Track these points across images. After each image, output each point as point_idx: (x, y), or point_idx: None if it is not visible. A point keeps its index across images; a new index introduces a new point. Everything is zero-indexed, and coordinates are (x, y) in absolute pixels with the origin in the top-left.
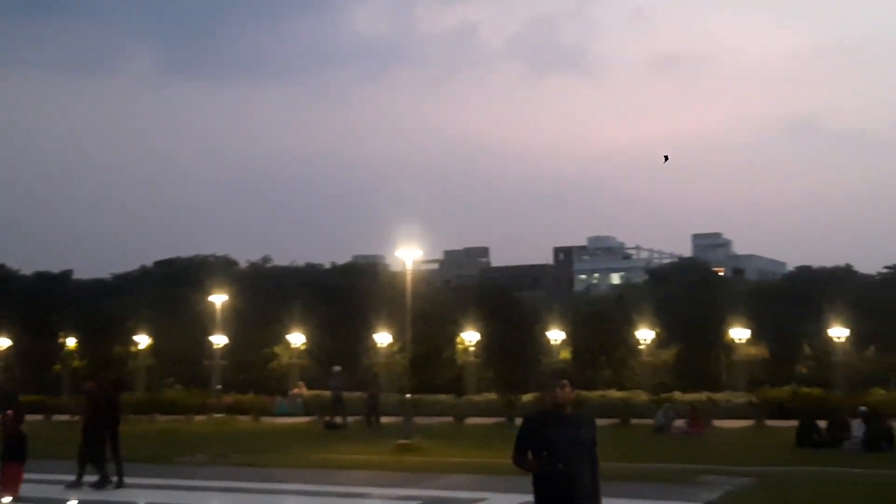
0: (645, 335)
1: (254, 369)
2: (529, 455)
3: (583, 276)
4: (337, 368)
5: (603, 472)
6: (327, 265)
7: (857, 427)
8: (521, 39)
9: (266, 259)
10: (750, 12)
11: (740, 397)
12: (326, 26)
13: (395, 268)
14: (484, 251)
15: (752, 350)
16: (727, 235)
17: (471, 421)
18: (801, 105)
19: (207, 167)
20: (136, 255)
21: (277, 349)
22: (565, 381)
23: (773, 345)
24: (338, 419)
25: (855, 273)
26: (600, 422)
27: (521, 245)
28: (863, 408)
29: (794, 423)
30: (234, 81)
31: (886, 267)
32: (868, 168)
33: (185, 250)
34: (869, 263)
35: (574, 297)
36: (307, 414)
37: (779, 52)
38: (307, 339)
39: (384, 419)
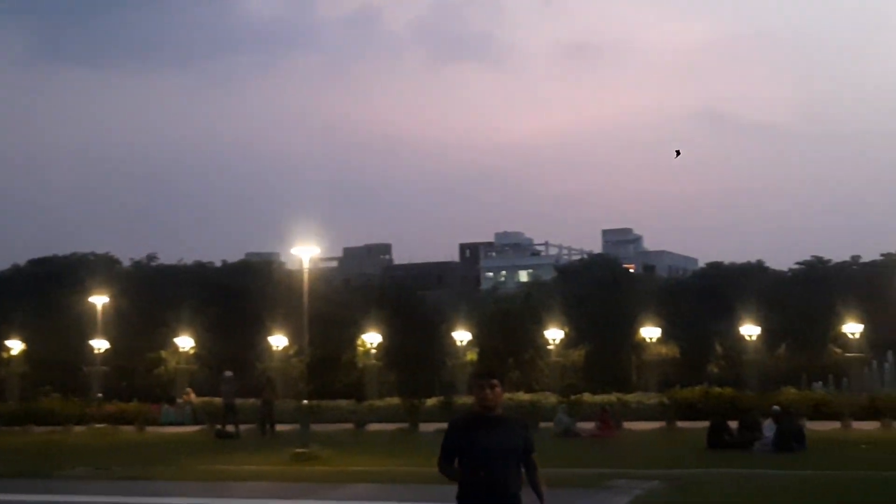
0: (554, 335)
1: (138, 375)
2: (456, 463)
3: (490, 274)
4: (228, 374)
5: None
6: (218, 263)
7: (769, 427)
8: (425, 25)
9: (151, 257)
10: (662, 0)
11: (651, 398)
12: (220, 10)
13: (291, 266)
14: (386, 248)
15: (663, 349)
16: (638, 231)
17: (373, 427)
18: (713, 96)
19: (89, 159)
20: (7, 254)
21: (164, 354)
22: (495, 381)
23: (685, 344)
24: (230, 428)
25: (767, 269)
26: None
27: (425, 242)
28: (775, 407)
29: (706, 423)
30: (120, 68)
31: (798, 263)
32: (780, 161)
33: (62, 248)
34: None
35: (481, 296)
36: (196, 423)
37: (691, 42)
38: (196, 342)
39: (280, 427)
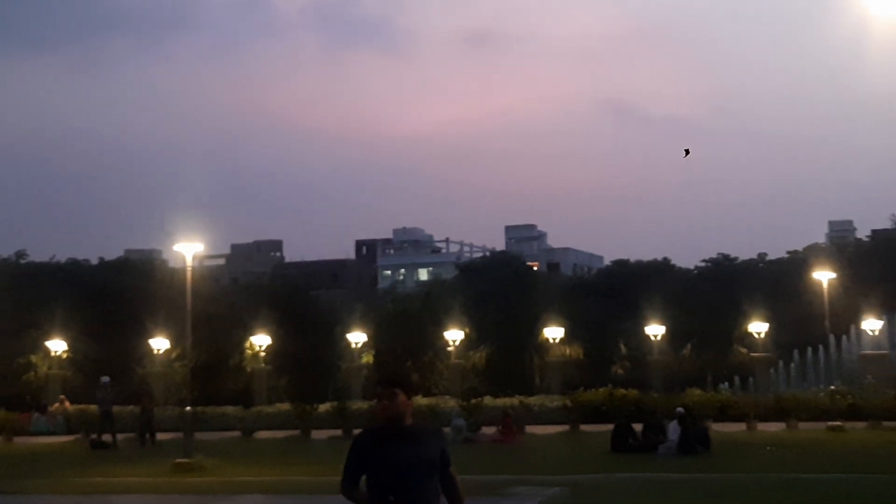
0: (454, 336)
1: (5, 382)
2: (362, 484)
3: (387, 272)
4: (105, 380)
5: None
6: (95, 261)
7: (673, 430)
8: (320, 8)
9: (20, 254)
10: None
11: (554, 401)
12: None
13: (174, 264)
14: (277, 245)
15: (567, 350)
16: (542, 227)
17: (261, 435)
18: (619, 88)
19: None
20: None
21: (34, 358)
22: (396, 390)
23: (589, 344)
24: (106, 437)
25: (673, 267)
26: None
27: (319, 239)
28: (679, 409)
29: (610, 426)
30: None
31: (704, 260)
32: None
33: None
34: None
35: (378, 296)
36: (70, 432)
37: (598, 33)
38: (70, 346)
39: (161, 436)
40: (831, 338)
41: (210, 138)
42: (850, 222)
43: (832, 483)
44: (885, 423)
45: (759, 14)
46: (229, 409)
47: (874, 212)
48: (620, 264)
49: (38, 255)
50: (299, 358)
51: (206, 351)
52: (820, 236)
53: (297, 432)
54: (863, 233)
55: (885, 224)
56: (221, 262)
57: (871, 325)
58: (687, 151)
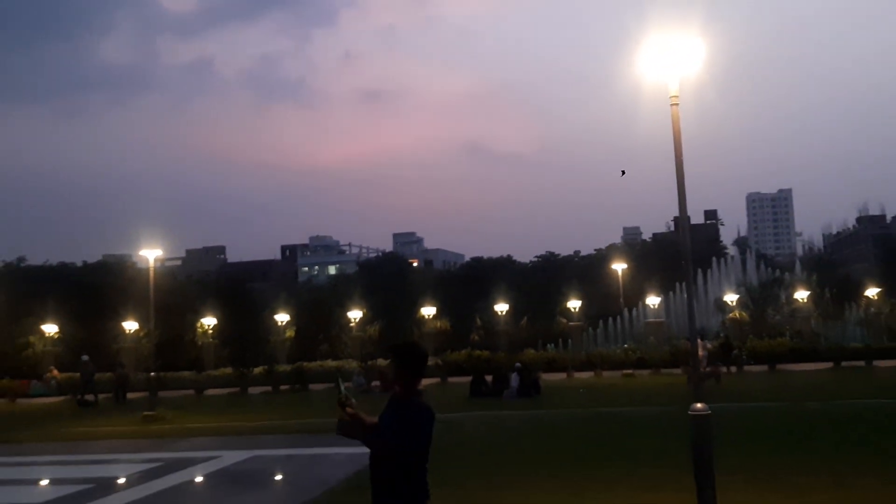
0: (355, 315)
1: (8, 357)
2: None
3: (305, 269)
4: (85, 357)
5: (288, 427)
6: (79, 263)
7: (514, 379)
8: (251, 73)
9: (21, 259)
10: (434, 57)
11: (429, 361)
12: (75, 54)
13: (141, 265)
14: (221, 249)
15: (438, 323)
16: (420, 234)
17: (210, 392)
18: (472, 132)
19: None
20: None
21: (32, 339)
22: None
23: (454, 319)
24: (89, 397)
25: (514, 262)
26: (318, 387)
27: (253, 244)
28: (518, 364)
29: (469, 379)
30: None
31: (536, 256)
32: (522, 182)
33: None
34: (525, 254)
35: (298, 287)
36: (61, 394)
37: (458, 90)
38: (60, 328)
39: (132, 395)
40: (625, 311)
41: (169, 168)
42: (638, 228)
43: (625, 413)
44: (663, 371)
45: (572, 79)
46: (185, 373)
47: (655, 220)
48: (476, 260)
49: (34, 259)
50: (238, 334)
51: (166, 330)
52: (616, 238)
53: (237, 390)
54: (647, 235)
55: (662, 229)
56: (178, 263)
57: (652, 301)
58: (623, 172)
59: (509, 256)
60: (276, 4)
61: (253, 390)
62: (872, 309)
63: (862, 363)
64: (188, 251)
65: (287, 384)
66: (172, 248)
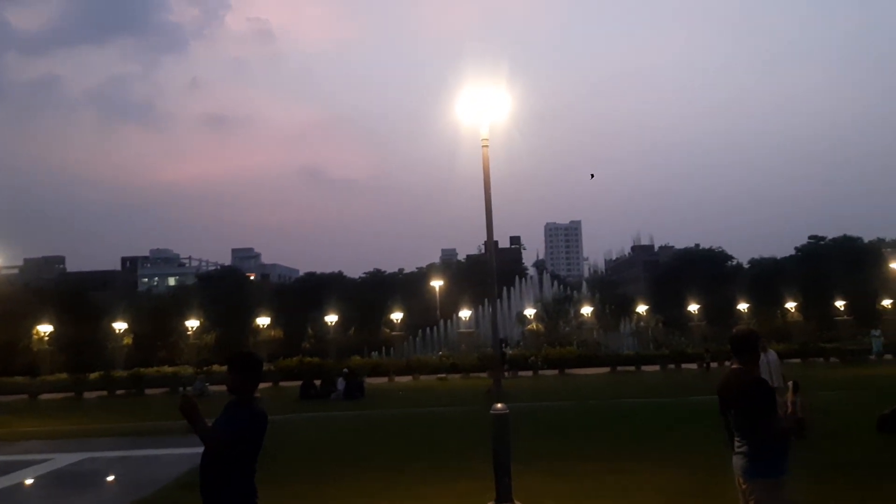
0: (192, 324)
1: None
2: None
3: (145, 280)
4: None
5: (123, 430)
6: None
7: (340, 383)
8: (98, 93)
9: None
10: (278, 88)
11: (264, 366)
12: None
13: None
14: (61, 259)
15: (272, 332)
16: (258, 250)
17: (45, 397)
18: (312, 158)
19: None
20: None
21: None
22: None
23: (287, 328)
24: None
25: (345, 277)
26: (155, 391)
27: (94, 255)
28: (344, 369)
29: (300, 382)
30: None
31: (365, 273)
32: (356, 205)
33: None
34: (355, 270)
35: (138, 297)
36: None
37: (298, 119)
38: None
39: None
40: (441, 322)
41: (12, 183)
42: (455, 249)
43: (437, 413)
44: (473, 375)
45: (404, 115)
46: (19, 378)
47: (469, 243)
48: (310, 275)
49: None
50: (76, 340)
51: (2, 335)
52: (436, 258)
53: (72, 394)
54: (462, 256)
55: (475, 251)
56: (15, 271)
57: (465, 314)
58: (592, 175)
59: (340, 272)
60: (126, 30)
61: (89, 395)
62: (642, 323)
63: (633, 368)
64: (26, 260)
65: (123, 389)
66: (10, 257)
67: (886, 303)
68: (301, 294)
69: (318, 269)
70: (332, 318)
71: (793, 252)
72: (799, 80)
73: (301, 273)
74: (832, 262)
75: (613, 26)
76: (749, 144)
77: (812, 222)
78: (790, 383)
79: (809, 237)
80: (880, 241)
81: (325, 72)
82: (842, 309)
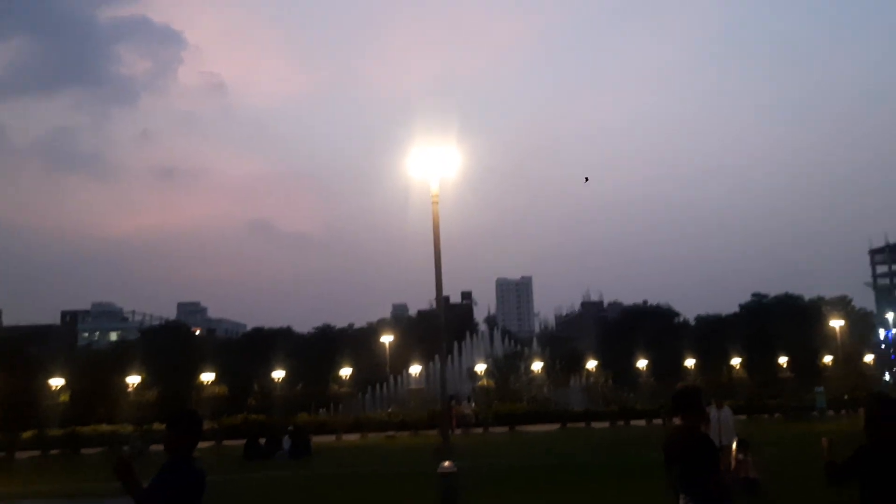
0: (134, 379)
1: None
2: None
3: (86, 335)
4: None
5: (53, 492)
6: None
7: (286, 441)
8: (45, 143)
9: None
10: (230, 142)
11: (206, 425)
12: None
13: None
14: None
15: (217, 389)
16: (205, 303)
17: None
18: (262, 212)
19: None
20: None
21: None
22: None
23: (233, 384)
24: None
25: (293, 332)
26: (91, 451)
27: (33, 308)
28: (290, 427)
29: (244, 441)
30: None
31: (314, 328)
32: (306, 259)
33: None
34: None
35: (77, 352)
36: None
37: (249, 172)
38: None
39: None
40: (391, 378)
41: None
42: (406, 304)
43: (384, 472)
44: (422, 431)
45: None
46: None
47: (421, 298)
48: (258, 330)
49: None
50: (10, 397)
51: None
52: (387, 313)
53: (3, 454)
54: (413, 311)
55: (426, 306)
56: None
57: (415, 369)
58: (587, 179)
59: (289, 327)
60: (75, 82)
61: (21, 455)
62: (591, 379)
63: (583, 424)
64: None
65: (58, 448)
66: None
67: (828, 359)
68: (248, 349)
69: (267, 324)
70: (279, 374)
71: (737, 309)
72: (741, 144)
73: (249, 328)
74: (775, 320)
75: (566, 87)
76: (694, 204)
77: (756, 280)
78: (734, 441)
79: (752, 294)
80: (820, 299)
81: (277, 125)
82: (785, 366)
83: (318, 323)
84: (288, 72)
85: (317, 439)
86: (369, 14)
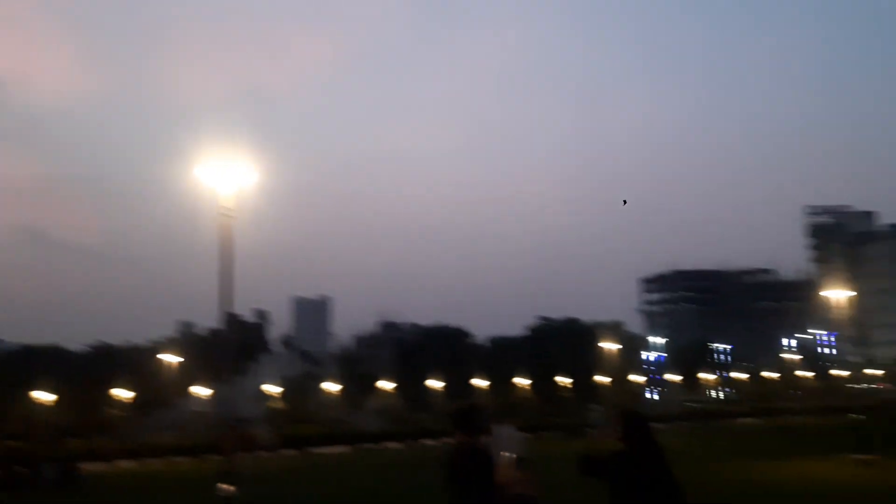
0: None
1: None
2: None
3: None
4: None
5: None
6: None
7: (48, 469)
8: None
9: None
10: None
11: None
12: None
13: None
14: None
15: None
16: None
17: None
18: (31, 217)
19: None
20: None
21: None
22: None
23: None
24: None
25: (65, 350)
26: None
27: None
28: (53, 455)
29: None
30: None
31: (89, 346)
32: (82, 270)
33: None
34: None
35: None
36: None
37: (18, 174)
38: None
39: None
40: (175, 400)
41: None
42: (193, 322)
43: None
44: (205, 456)
45: (140, 179)
46: None
47: (211, 315)
48: (21, 347)
49: None
50: None
51: None
52: (172, 330)
53: None
54: (201, 329)
55: (216, 325)
56: None
57: (202, 390)
58: (625, 202)
59: (58, 345)
60: None
61: None
62: (387, 399)
63: (375, 445)
64: None
65: None
66: None
67: (605, 379)
68: (8, 368)
69: (32, 341)
70: (46, 396)
71: (525, 332)
72: (533, 177)
73: (11, 344)
74: (558, 342)
75: (367, 109)
76: (487, 230)
77: (543, 304)
78: (514, 458)
79: (539, 318)
80: (598, 323)
81: (52, 125)
82: (566, 385)
83: (93, 340)
84: (74, 69)
85: (89, 467)
86: (169, 17)
